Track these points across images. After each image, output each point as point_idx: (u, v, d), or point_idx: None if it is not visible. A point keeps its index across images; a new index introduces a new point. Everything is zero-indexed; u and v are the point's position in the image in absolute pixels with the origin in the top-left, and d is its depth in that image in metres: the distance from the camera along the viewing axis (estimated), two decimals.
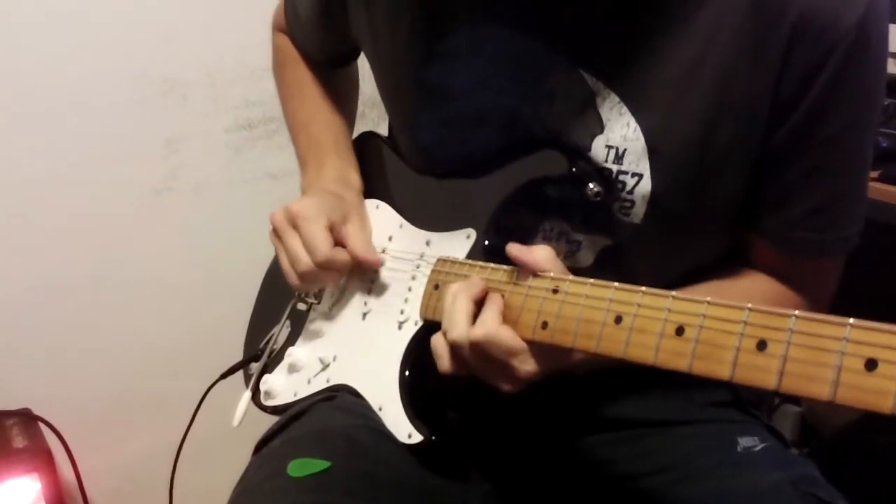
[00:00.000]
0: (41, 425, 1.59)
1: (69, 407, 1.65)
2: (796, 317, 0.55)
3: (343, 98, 1.12)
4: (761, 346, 0.56)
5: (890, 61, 1.55)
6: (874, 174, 1.28)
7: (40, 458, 1.49)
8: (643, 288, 0.66)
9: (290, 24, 1.10)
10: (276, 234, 0.93)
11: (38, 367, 1.66)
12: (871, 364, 0.50)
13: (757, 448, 0.89)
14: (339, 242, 0.92)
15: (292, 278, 0.92)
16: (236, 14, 1.66)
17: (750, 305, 0.58)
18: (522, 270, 0.76)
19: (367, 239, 0.95)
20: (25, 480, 1.46)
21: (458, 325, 0.75)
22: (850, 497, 0.86)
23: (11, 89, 1.52)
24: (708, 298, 0.61)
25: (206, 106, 1.71)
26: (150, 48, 1.63)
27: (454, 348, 0.76)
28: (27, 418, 1.59)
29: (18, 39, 1.50)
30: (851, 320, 0.52)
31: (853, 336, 0.52)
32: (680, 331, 0.61)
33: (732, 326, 0.58)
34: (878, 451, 1.51)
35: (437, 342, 0.78)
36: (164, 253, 1.74)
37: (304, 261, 0.89)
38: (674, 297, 0.63)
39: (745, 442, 0.90)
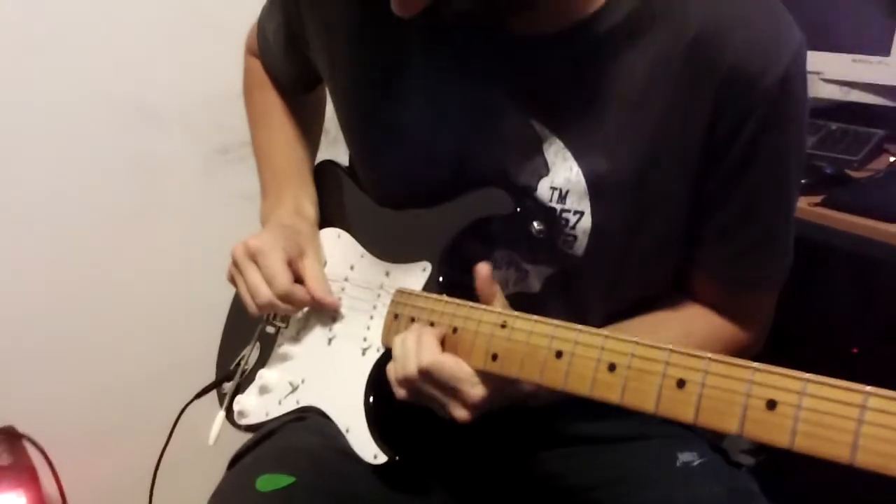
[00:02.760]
0: (25, 442, 1.61)
1: (52, 424, 1.66)
2: (710, 359, 0.61)
3: (307, 123, 1.15)
4: (681, 383, 0.62)
5: (831, 87, 1.63)
6: (817, 199, 1.32)
7: (25, 475, 1.51)
8: (580, 326, 0.71)
9: (260, 48, 1.13)
10: (237, 266, 0.96)
11: (21, 385, 1.67)
12: (771, 404, 0.57)
13: (695, 463, 0.94)
14: (297, 276, 0.96)
15: (251, 308, 0.95)
16: (209, 42, 1.66)
17: (671, 347, 0.64)
18: (474, 305, 0.81)
19: (323, 277, 0.98)
20: (11, 496, 1.48)
21: (409, 359, 0.80)
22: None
23: None
24: (636, 339, 0.67)
25: (181, 131, 1.73)
26: (126, 76, 1.64)
27: (407, 380, 0.81)
28: (11, 435, 1.60)
29: None
30: (756, 364, 0.59)
31: (757, 378, 0.58)
32: (612, 367, 0.67)
33: (656, 366, 0.64)
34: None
35: (391, 373, 0.83)
36: (139, 275, 1.76)
37: (265, 292, 0.93)
38: (606, 336, 0.69)
39: (684, 457, 0.94)
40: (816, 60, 1.62)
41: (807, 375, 0.56)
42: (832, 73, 1.62)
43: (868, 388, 0.53)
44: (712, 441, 1.00)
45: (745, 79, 0.79)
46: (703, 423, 0.61)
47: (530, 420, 0.98)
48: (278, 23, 1.04)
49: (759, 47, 0.79)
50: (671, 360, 0.63)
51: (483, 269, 0.81)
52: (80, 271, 1.69)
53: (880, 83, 1.57)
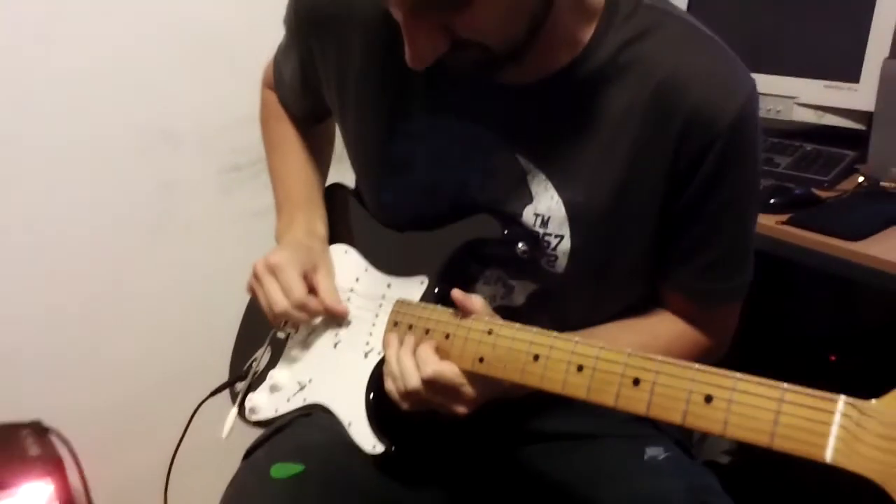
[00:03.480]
0: (52, 435, 1.69)
1: (77, 419, 1.75)
2: (660, 361, 0.71)
3: (319, 150, 1.24)
4: (636, 382, 0.73)
5: (806, 111, 1.71)
6: (784, 218, 1.41)
7: (52, 465, 1.60)
8: (555, 333, 0.81)
9: (276, 82, 1.21)
10: (257, 279, 1.05)
11: (49, 383, 1.75)
12: (708, 398, 0.67)
13: (661, 457, 1.03)
14: (311, 288, 1.05)
15: (270, 316, 1.05)
16: (225, 72, 1.77)
17: (629, 351, 0.74)
18: (463, 312, 0.90)
19: (334, 289, 1.07)
20: (40, 484, 1.56)
21: (411, 375, 0.89)
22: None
23: (20, 142, 1.63)
24: (602, 344, 0.77)
25: (197, 152, 1.82)
26: (147, 101, 1.73)
27: (410, 393, 0.89)
28: (39, 429, 1.68)
29: (26, 95, 1.61)
30: (697, 366, 0.69)
31: (697, 377, 0.69)
32: (580, 368, 0.77)
33: (616, 367, 0.74)
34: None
35: (392, 390, 0.92)
36: (159, 283, 1.84)
37: (283, 302, 1.02)
38: (576, 342, 0.79)
39: (651, 452, 1.03)
40: (792, 86, 1.72)
41: (738, 375, 0.66)
42: (806, 98, 1.70)
43: (785, 385, 0.63)
44: (676, 437, 1.10)
45: (703, 120, 0.88)
46: (653, 416, 0.71)
47: (514, 418, 1.07)
48: (293, 61, 1.13)
49: (714, 93, 0.88)
50: (629, 363, 0.74)
51: (456, 293, 0.90)
52: (106, 280, 1.79)
53: (850, 108, 1.65)
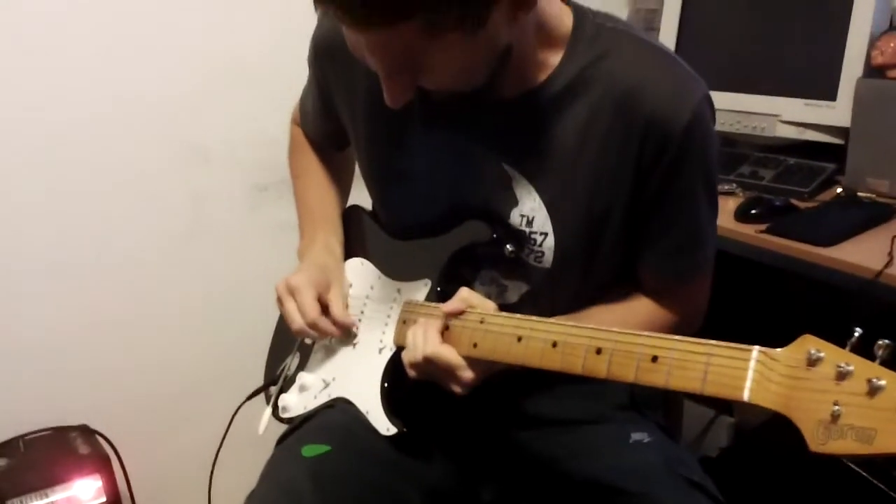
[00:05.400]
0: (97, 437, 1.84)
1: (119, 421, 1.88)
2: (618, 332, 0.85)
3: (338, 176, 1.37)
4: (599, 351, 0.86)
5: (788, 127, 1.81)
6: (762, 227, 1.53)
7: (100, 462, 1.74)
8: (535, 317, 0.95)
9: (301, 118, 1.35)
10: (279, 299, 1.18)
11: (93, 388, 1.89)
12: (654, 358, 0.81)
13: (645, 440, 1.14)
14: (324, 307, 1.17)
15: (292, 331, 1.18)
16: (253, 95, 1.91)
17: (593, 326, 0.88)
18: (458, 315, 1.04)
19: (343, 304, 1.19)
20: (89, 481, 1.71)
21: (417, 349, 1.02)
22: (769, 491, 1.05)
23: (64, 157, 1.76)
24: (573, 323, 0.91)
25: (228, 168, 1.95)
26: (183, 122, 1.87)
27: (415, 364, 1.03)
28: (86, 431, 1.83)
29: (70, 112, 1.75)
30: (647, 333, 0.83)
31: (646, 342, 0.82)
32: (555, 344, 0.91)
33: (583, 340, 0.88)
34: (793, 450, 1.73)
35: (405, 358, 1.05)
36: (194, 293, 1.97)
37: (299, 321, 1.15)
38: (552, 323, 0.93)
39: (636, 436, 1.14)
40: (774, 105, 1.86)
41: (677, 338, 0.80)
42: (788, 115, 1.83)
43: (713, 342, 0.77)
44: (661, 423, 1.21)
45: (659, 125, 1.01)
46: (612, 376, 0.84)
47: (512, 406, 1.19)
48: (314, 91, 1.27)
49: (667, 102, 1.01)
50: (594, 336, 0.87)
51: (446, 307, 1.04)
52: (145, 290, 1.92)
53: (829, 124, 1.77)
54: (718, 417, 2.06)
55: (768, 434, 1.84)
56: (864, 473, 1.60)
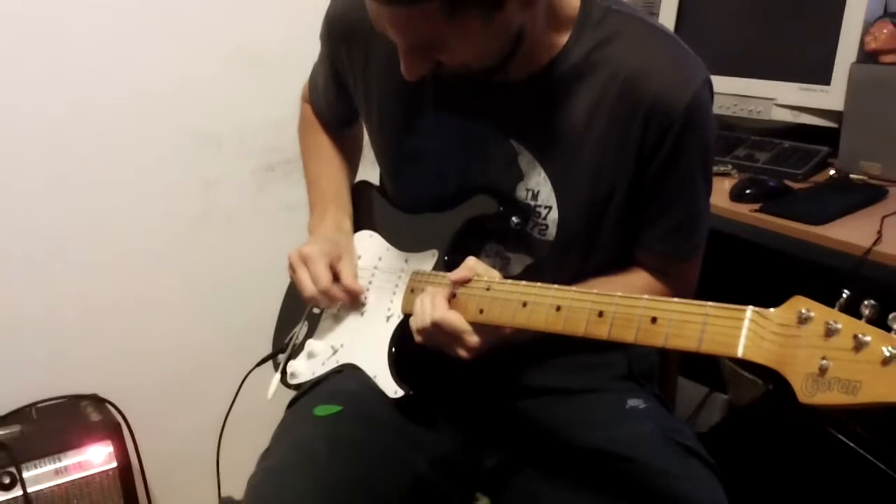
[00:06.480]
0: (108, 405, 1.90)
1: (129, 391, 1.95)
2: (618, 296, 0.89)
3: (348, 154, 1.41)
4: (601, 314, 0.90)
5: (783, 111, 1.85)
6: (756, 206, 1.57)
7: (111, 429, 1.80)
8: (539, 284, 0.99)
9: (311, 95, 1.39)
10: (291, 268, 1.21)
11: (103, 359, 1.95)
12: (654, 320, 0.85)
13: (641, 407, 1.18)
14: (335, 275, 1.21)
15: (304, 298, 1.22)
16: (261, 80, 1.96)
17: (595, 291, 0.92)
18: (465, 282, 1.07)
19: (354, 274, 1.23)
20: (101, 447, 1.77)
21: (425, 315, 1.05)
22: (760, 464, 1.07)
23: (79, 148, 1.83)
24: (574, 289, 0.95)
25: (237, 152, 2.01)
26: (192, 106, 1.93)
27: (423, 329, 1.06)
28: (97, 400, 1.89)
29: (89, 102, 1.81)
30: (647, 296, 0.87)
31: (646, 305, 0.86)
32: (558, 308, 0.95)
33: (586, 304, 0.92)
34: (785, 426, 1.73)
35: (412, 324, 1.09)
36: (203, 270, 2.04)
37: (311, 289, 1.19)
38: (556, 289, 0.96)
39: (632, 402, 1.19)
40: (770, 89, 1.90)
41: (675, 300, 0.84)
42: (783, 99, 1.87)
43: (710, 303, 0.81)
44: (655, 392, 1.26)
45: (662, 109, 1.05)
46: (613, 338, 0.88)
47: (513, 375, 1.23)
48: (326, 68, 1.30)
49: (670, 86, 1.05)
50: (596, 300, 0.91)
51: (453, 275, 1.07)
52: (156, 267, 1.98)
53: (823, 108, 1.81)
54: (712, 394, 2.09)
55: (761, 410, 1.87)
56: (859, 449, 1.62)
